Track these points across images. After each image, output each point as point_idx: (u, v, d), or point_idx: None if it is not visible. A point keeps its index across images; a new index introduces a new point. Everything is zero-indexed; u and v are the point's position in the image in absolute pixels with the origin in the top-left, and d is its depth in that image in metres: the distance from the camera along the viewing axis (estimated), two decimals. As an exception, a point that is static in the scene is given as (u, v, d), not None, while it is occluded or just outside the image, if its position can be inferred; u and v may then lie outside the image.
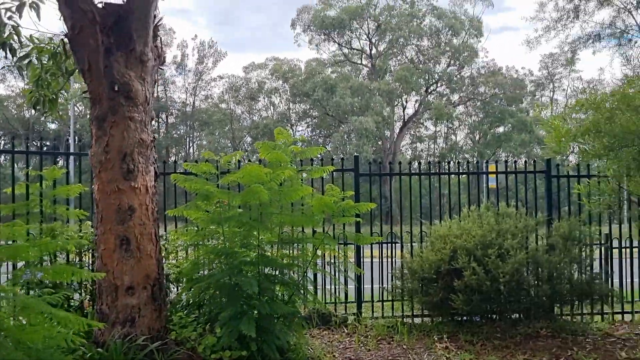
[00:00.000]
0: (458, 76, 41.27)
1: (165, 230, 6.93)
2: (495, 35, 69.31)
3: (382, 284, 7.47)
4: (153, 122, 5.43)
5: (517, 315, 6.77)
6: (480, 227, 6.68)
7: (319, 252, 5.93)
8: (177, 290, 6.27)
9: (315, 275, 7.04)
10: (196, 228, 5.59)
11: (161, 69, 5.54)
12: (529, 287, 6.56)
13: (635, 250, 7.66)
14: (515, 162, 8.60)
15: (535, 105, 42.47)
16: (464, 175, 7.79)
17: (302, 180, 6.19)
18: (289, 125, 42.92)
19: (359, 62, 43.27)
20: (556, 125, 6.85)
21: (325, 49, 42.54)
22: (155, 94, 5.57)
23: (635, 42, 5.86)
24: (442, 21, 39.67)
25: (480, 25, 40.56)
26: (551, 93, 46.05)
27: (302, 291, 5.58)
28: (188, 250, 6.53)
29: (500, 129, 42.09)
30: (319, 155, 6.45)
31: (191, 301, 5.82)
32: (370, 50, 41.86)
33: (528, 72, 45.22)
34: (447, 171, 7.90)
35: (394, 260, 7.40)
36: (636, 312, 7.46)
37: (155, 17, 5.19)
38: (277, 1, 65.26)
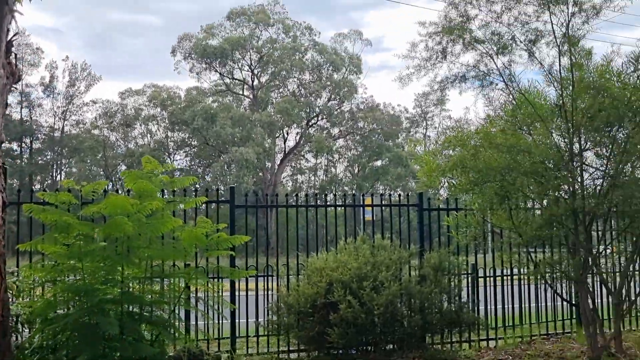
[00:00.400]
0: (338, 110, 42.49)
1: (18, 266, 6.25)
2: (374, 73, 72.74)
3: (258, 319, 7.25)
4: (14, 146, 4.88)
5: (392, 346, 6.85)
6: (356, 259, 6.72)
7: (192, 287, 5.65)
8: (30, 332, 5.63)
9: (187, 312, 6.67)
10: (54, 263, 5.08)
11: (15, 87, 5.03)
12: (403, 318, 6.66)
13: (499, 278, 8.10)
14: (390, 195, 8.82)
15: (409, 140, 44.72)
16: (342, 208, 7.84)
17: (175, 212, 5.90)
18: (167, 154, 41.63)
19: (241, 92, 43.22)
20: (427, 160, 7.13)
21: (206, 77, 42.04)
22: (19, 116, 5.03)
23: (496, 85, 6.40)
24: (323, 56, 40.83)
25: (360, 62, 42.25)
26: (424, 130, 48.82)
27: (170, 329, 5.23)
28: (44, 287, 5.93)
29: (378, 163, 43.75)
30: (198, 186, 6.19)
31: (44, 344, 5.24)
32: (252, 81, 42.02)
33: (404, 109, 47.66)
34: (325, 203, 7.92)
35: (268, 293, 7.24)
36: (499, 338, 7.84)
37: (9, 31, 4.71)
38: (157, 27, 63.79)
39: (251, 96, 42.07)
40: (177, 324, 5.49)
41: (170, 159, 41.22)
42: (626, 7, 6.15)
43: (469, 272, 7.88)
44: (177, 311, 5.46)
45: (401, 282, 6.66)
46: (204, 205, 7.16)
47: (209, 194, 7.02)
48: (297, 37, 41.45)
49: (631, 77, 6.26)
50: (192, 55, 40.14)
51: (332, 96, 41.44)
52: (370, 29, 73.92)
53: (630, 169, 6.40)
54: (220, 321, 6.79)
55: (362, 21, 72.10)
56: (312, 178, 47.04)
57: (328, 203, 8.07)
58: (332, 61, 40.42)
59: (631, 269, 6.82)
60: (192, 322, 6.58)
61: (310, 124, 41.70)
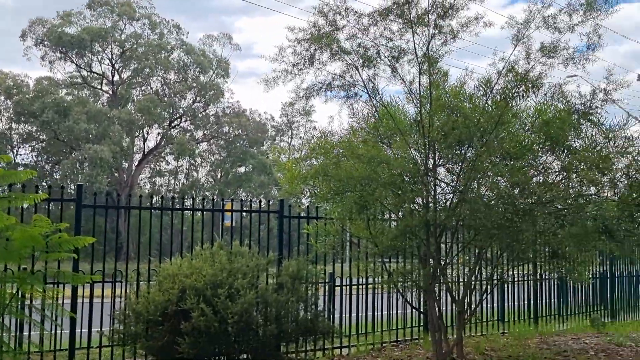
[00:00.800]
0: (203, 113, 41.57)
1: None
2: (242, 79, 72.38)
3: (102, 328, 6.71)
4: None
5: (246, 355, 6.68)
6: (212, 266, 6.47)
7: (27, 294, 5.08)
8: None
9: (20, 322, 5.99)
10: None
11: None
12: (258, 326, 6.52)
13: (354, 287, 8.26)
14: (251, 201, 8.66)
15: (274, 148, 44.93)
16: (205, 213, 7.54)
17: (10, 210, 5.29)
18: (10, 147, 37.93)
19: (99, 87, 40.69)
20: (290, 168, 7.10)
21: (60, 68, 39.00)
22: None
23: (360, 97, 6.64)
24: (190, 57, 39.76)
25: (228, 66, 41.74)
26: (290, 139, 49.40)
27: (-5, 342, 4.63)
28: None
29: (242, 169, 43.42)
30: (44, 184, 5.58)
31: None
32: (113, 76, 39.73)
33: (270, 117, 47.85)
34: (182, 207, 7.57)
35: (115, 300, 6.75)
36: (352, 346, 7.98)
37: None
38: (5, 7, 58.22)
39: (110, 92, 39.75)
40: (4, 335, 4.90)
41: (14, 153, 37.65)
42: (480, 33, 6.57)
43: (327, 280, 7.95)
44: (5, 321, 4.87)
45: (258, 290, 6.53)
46: (50, 205, 6.53)
47: (49, 191, 6.39)
48: (164, 34, 39.99)
49: (481, 101, 6.70)
50: (45, 42, 37.03)
51: (198, 98, 40.47)
52: (241, 35, 73.76)
53: (477, 186, 6.82)
54: (60, 331, 6.22)
55: (233, 26, 71.69)
56: (172, 181, 45.54)
57: (186, 207, 7.72)
58: (199, 63, 39.50)
59: (473, 279, 7.27)
60: (26, 332, 5.95)
61: (172, 125, 40.34)
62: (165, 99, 39.45)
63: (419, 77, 6.65)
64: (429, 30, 6.48)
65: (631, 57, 67.68)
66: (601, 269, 11.98)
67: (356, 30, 6.56)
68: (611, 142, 6.75)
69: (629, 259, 12.40)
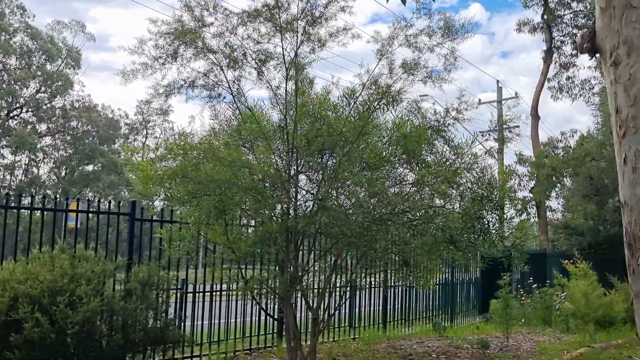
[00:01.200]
0: (48, 105, 38.43)
1: None
2: (95, 72, 68.16)
3: None
4: None
5: (86, 367, 6.13)
6: (51, 271, 5.86)
7: None
8: None
9: None
10: None
11: None
12: (101, 337, 6.03)
13: (208, 294, 7.99)
14: (99, 201, 8.05)
15: (126, 147, 42.77)
16: (45, 213, 6.84)
17: None
18: None
19: None
20: (144, 167, 6.70)
21: None
22: None
23: (224, 98, 6.47)
24: (36, 43, 36.60)
25: (80, 57, 39.09)
26: (144, 138, 47.35)
27: None
28: None
29: (90, 168, 40.82)
30: None
31: None
32: (-60, 55, 35.36)
33: (124, 114, 45.62)
34: (19, 205, 6.80)
35: None
36: (204, 355, 7.70)
37: None
38: None
39: (-64, 73, 35.32)
40: None
41: None
42: (348, 44, 6.68)
43: (179, 287, 7.59)
44: None
45: (103, 298, 6.03)
46: None
47: None
48: (5, 14, 36.35)
49: (345, 111, 6.82)
50: None
51: (43, 88, 37.33)
52: (96, 25, 69.59)
53: (336, 195, 6.91)
54: None
55: (86, 14, 67.37)
56: (8, 177, 41.49)
57: (23, 205, 6.95)
58: (46, 50, 36.48)
59: (329, 287, 7.35)
60: None
61: (11, 115, 36.74)
62: (4, 86, 35.84)
63: (286, 83, 6.61)
64: (297, 36, 6.46)
65: (475, 84, 74.44)
66: (443, 277, 12.84)
67: (224, 29, 6.36)
68: (459, 159, 7.21)
69: (466, 267, 13.45)
